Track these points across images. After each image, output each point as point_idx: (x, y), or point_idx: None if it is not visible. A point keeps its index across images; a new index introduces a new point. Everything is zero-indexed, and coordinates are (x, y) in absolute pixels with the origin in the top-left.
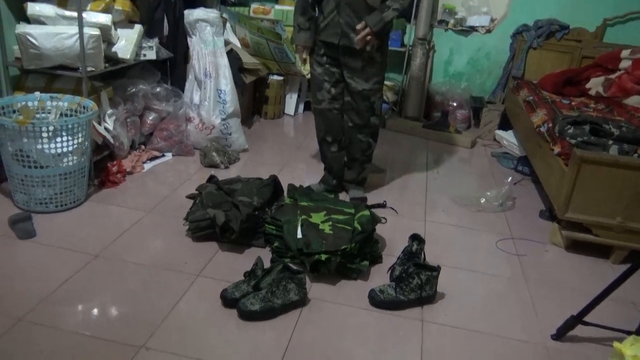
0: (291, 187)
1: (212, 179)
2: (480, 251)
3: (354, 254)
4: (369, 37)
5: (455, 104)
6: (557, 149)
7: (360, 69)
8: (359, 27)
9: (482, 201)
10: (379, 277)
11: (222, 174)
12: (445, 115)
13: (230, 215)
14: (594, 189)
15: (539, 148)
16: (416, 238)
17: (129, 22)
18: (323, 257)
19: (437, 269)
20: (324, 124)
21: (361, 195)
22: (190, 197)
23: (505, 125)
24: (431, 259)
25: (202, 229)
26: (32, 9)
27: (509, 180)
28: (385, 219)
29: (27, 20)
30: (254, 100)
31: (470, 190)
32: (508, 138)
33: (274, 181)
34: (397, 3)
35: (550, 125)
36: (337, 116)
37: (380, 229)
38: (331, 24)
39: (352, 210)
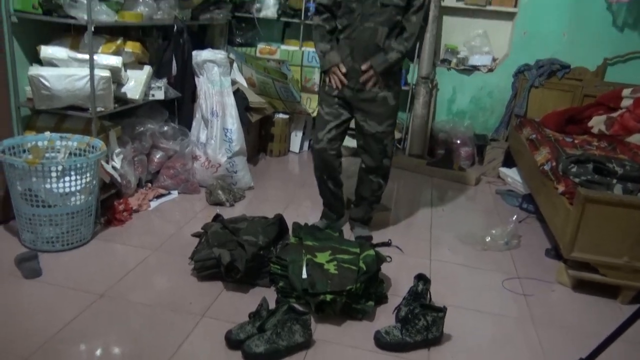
0: (296, 225)
1: (217, 217)
2: (486, 291)
3: (359, 295)
4: (373, 77)
5: (459, 142)
6: (561, 188)
7: (374, 112)
8: (363, 67)
9: (487, 239)
10: (385, 317)
11: (227, 212)
12: (449, 153)
13: (235, 255)
14: (600, 228)
15: (543, 186)
16: (422, 278)
17: (139, 63)
18: (328, 297)
19: (443, 310)
20: (321, 164)
21: (367, 233)
22: (195, 235)
23: (509, 162)
24: (437, 299)
25: (207, 269)
26: (45, 51)
27: (514, 218)
28: (390, 257)
29: (40, 62)
30: (260, 138)
31: (475, 228)
32: (512, 175)
33: (279, 220)
34: (402, 45)
35: (554, 163)
36: (333, 157)
37: (385, 268)
38: (347, 70)
39: (357, 250)
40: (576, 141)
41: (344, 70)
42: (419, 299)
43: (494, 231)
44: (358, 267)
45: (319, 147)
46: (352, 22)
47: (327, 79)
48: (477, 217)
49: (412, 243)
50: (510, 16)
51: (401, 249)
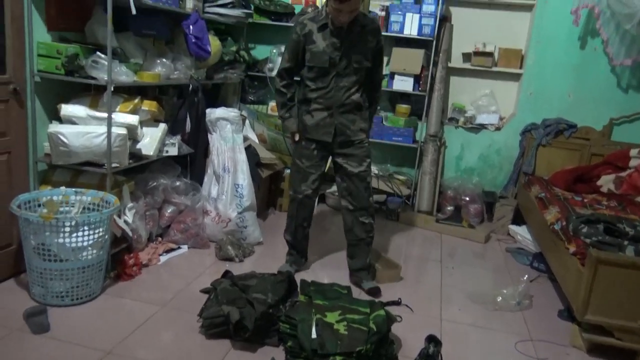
0: (304, 283)
1: (227, 274)
2: (498, 354)
3: (370, 356)
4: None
5: (467, 199)
6: (572, 248)
7: (354, 154)
8: (362, 136)
9: (498, 299)
10: None
11: (236, 268)
12: (458, 210)
13: (244, 313)
14: (613, 291)
15: (553, 246)
16: (433, 340)
17: (154, 121)
18: (338, 358)
19: None
20: (303, 212)
21: (375, 284)
22: (204, 291)
23: (518, 220)
24: None
25: (216, 326)
26: (66, 110)
27: (525, 277)
28: (401, 317)
29: (60, 119)
30: (270, 193)
31: (485, 287)
32: (522, 233)
33: (289, 277)
34: (372, 106)
35: (564, 223)
36: (313, 203)
37: (395, 328)
38: (322, 125)
39: (367, 310)
40: (585, 200)
41: (297, 138)
42: None
43: (505, 290)
44: (368, 327)
45: (303, 196)
46: (327, 84)
47: (297, 138)
48: (487, 275)
49: (421, 302)
50: (516, 77)
51: (411, 308)
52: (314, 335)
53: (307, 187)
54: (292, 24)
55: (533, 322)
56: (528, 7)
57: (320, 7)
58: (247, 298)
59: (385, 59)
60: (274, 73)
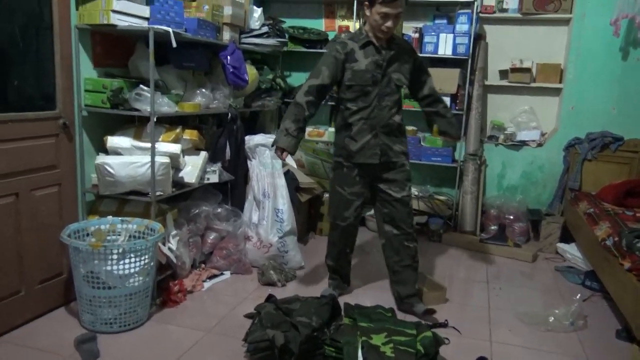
0: (348, 306)
1: (270, 298)
2: None
3: None
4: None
5: (512, 217)
6: (627, 264)
7: (396, 179)
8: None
9: (550, 320)
10: None
11: (279, 292)
12: (503, 229)
13: (289, 336)
14: None
15: (606, 262)
16: None
17: (195, 149)
18: None
19: None
20: (347, 239)
21: (428, 307)
22: (248, 316)
23: (566, 237)
24: None
25: (261, 350)
26: (111, 141)
27: (577, 297)
28: (448, 339)
29: (106, 151)
30: (309, 217)
31: (536, 307)
32: (571, 251)
33: (333, 300)
34: (447, 110)
35: (616, 238)
36: (356, 230)
37: (443, 351)
38: (367, 147)
39: (414, 331)
40: (638, 214)
41: (284, 157)
42: None
43: (557, 311)
44: (416, 349)
45: (346, 224)
46: (369, 104)
47: (343, 161)
48: (537, 295)
49: (469, 323)
50: (556, 92)
51: (458, 330)
52: (360, 358)
53: (350, 215)
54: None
55: (589, 344)
56: (565, 22)
57: (358, 29)
58: (292, 322)
59: None
60: None
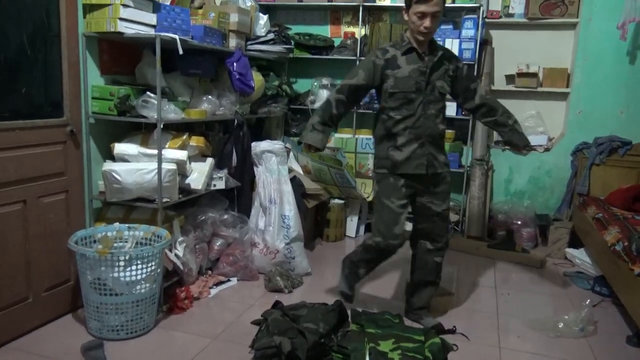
0: (355, 312)
1: (277, 304)
2: None
3: None
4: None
5: (519, 223)
6: (637, 269)
7: (439, 191)
8: (524, 153)
9: (560, 326)
10: None
11: (285, 299)
12: (510, 234)
13: (296, 343)
14: None
15: (616, 268)
16: None
17: (202, 156)
18: None
19: None
20: (387, 257)
21: (436, 321)
22: (255, 323)
23: (575, 242)
24: None
25: (268, 357)
26: (119, 148)
27: (587, 302)
28: (457, 345)
29: (113, 158)
30: (316, 223)
31: (545, 313)
32: (580, 256)
33: (340, 307)
34: (509, 119)
35: (626, 243)
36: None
37: (451, 357)
38: (413, 157)
39: (422, 338)
40: None
41: (309, 149)
42: None
43: (566, 316)
44: (424, 356)
45: (397, 242)
46: (414, 112)
47: (387, 172)
48: (546, 301)
49: (477, 330)
50: (563, 96)
51: (467, 336)
52: None
53: (399, 229)
54: (331, 57)
55: (599, 350)
56: (571, 26)
57: (399, 37)
58: (298, 328)
59: None
60: (316, 105)
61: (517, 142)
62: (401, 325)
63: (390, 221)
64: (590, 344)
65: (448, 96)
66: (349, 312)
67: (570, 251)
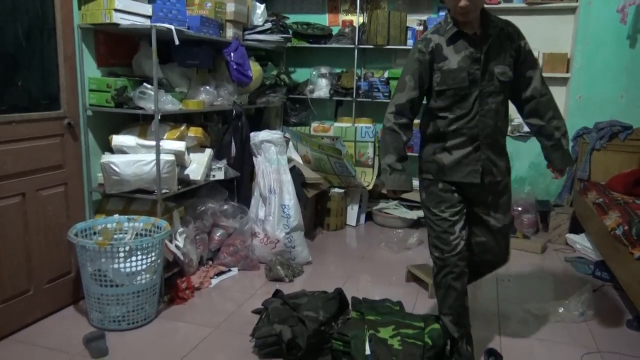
0: (356, 300)
1: (277, 293)
2: None
3: None
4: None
5: (520, 209)
6: (637, 253)
7: (498, 203)
8: (558, 176)
9: (560, 310)
10: None
11: (286, 288)
12: (511, 221)
13: (296, 331)
14: None
15: (616, 252)
16: (492, 354)
17: (200, 147)
18: None
19: None
20: (460, 274)
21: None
22: (256, 312)
23: (575, 228)
24: None
25: (268, 345)
26: (117, 140)
27: (587, 287)
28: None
29: (111, 150)
30: (316, 213)
31: (545, 298)
32: (581, 242)
33: (340, 294)
34: (556, 131)
35: (626, 227)
36: (466, 256)
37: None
38: (465, 162)
39: (422, 324)
40: None
41: (395, 195)
42: None
43: (567, 301)
44: (423, 342)
45: (456, 253)
46: (469, 109)
47: (433, 177)
48: (546, 286)
49: (478, 315)
50: (563, 81)
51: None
52: (367, 351)
53: (458, 241)
54: (329, 46)
55: (600, 334)
56: (571, 10)
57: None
58: (299, 316)
59: None
60: (314, 95)
61: (556, 163)
62: (401, 312)
63: (444, 231)
64: (591, 328)
65: None
66: (349, 300)
67: (571, 237)
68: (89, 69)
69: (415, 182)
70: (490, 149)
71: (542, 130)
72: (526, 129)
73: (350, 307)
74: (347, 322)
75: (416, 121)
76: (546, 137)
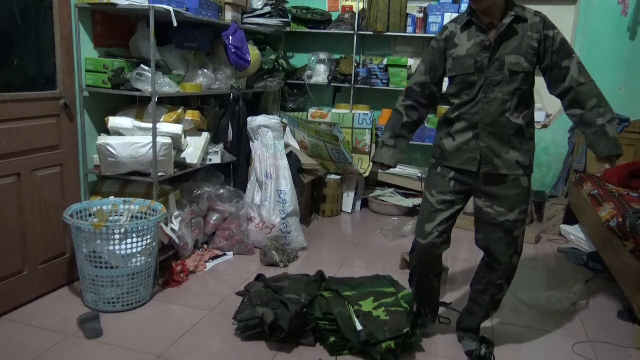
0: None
1: (260, 277)
2: (555, 356)
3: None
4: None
5: None
6: (630, 246)
7: (503, 195)
8: (607, 166)
9: (552, 300)
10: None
11: (281, 273)
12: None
13: (279, 314)
14: None
15: (610, 244)
16: (484, 341)
17: (198, 130)
18: (392, 344)
19: None
20: (428, 262)
21: (475, 350)
22: (240, 294)
23: (570, 219)
24: None
25: (251, 328)
26: (113, 122)
27: (580, 278)
28: (449, 320)
29: (108, 132)
30: (312, 199)
31: (538, 288)
32: (575, 233)
33: (321, 277)
34: (601, 117)
35: (620, 220)
36: (442, 252)
37: (445, 330)
38: (465, 149)
39: (393, 289)
40: None
41: (382, 171)
42: None
43: (559, 292)
44: (404, 307)
45: (427, 242)
46: (474, 97)
47: (436, 161)
48: (539, 277)
49: None
50: None
51: (460, 311)
52: (359, 327)
53: (433, 231)
54: (329, 31)
55: (591, 324)
56: (572, 1)
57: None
58: (281, 299)
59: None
60: (313, 80)
61: (600, 149)
62: (371, 281)
63: (425, 216)
64: (582, 318)
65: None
66: None
67: (565, 228)
68: (86, 49)
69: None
70: (494, 138)
71: (583, 118)
72: None
73: (322, 288)
74: (329, 302)
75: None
76: (587, 125)
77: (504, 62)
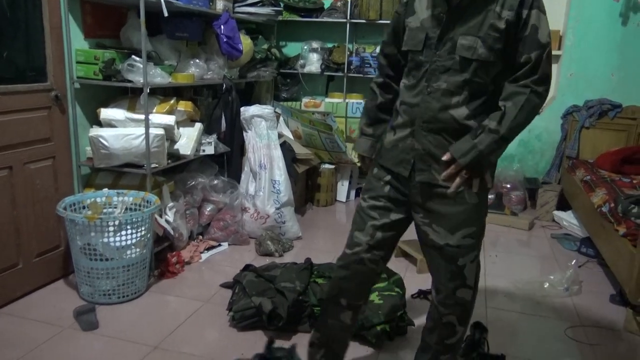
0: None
1: (248, 267)
2: (548, 340)
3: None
4: (459, 174)
5: (509, 186)
6: (622, 230)
7: (443, 212)
8: (444, 158)
9: (545, 286)
10: None
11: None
12: (500, 198)
13: (276, 302)
14: None
15: (602, 229)
16: (478, 326)
17: (190, 121)
18: (387, 327)
19: (502, 358)
20: (345, 281)
21: (469, 332)
22: (225, 286)
23: (563, 205)
24: (495, 349)
25: (247, 318)
26: (105, 113)
27: (573, 263)
28: None
29: (100, 123)
30: (307, 188)
31: (531, 274)
32: (568, 219)
33: (311, 264)
34: (494, 121)
35: (612, 205)
36: (369, 274)
37: None
38: (400, 147)
39: (384, 275)
40: (635, 181)
41: (364, 168)
42: (477, 349)
43: (552, 277)
44: (395, 291)
45: (352, 252)
46: (416, 82)
47: (374, 159)
48: (533, 262)
49: None
50: (554, 59)
51: None
52: None
53: (362, 242)
54: (321, 19)
55: (583, 308)
56: None
57: None
58: (276, 288)
59: None
60: (306, 69)
61: (453, 146)
62: None
63: (353, 225)
64: (575, 302)
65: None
66: None
67: (558, 214)
68: (76, 40)
69: None
70: (432, 139)
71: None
72: None
73: (314, 275)
74: (321, 288)
75: None
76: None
77: (456, 44)
